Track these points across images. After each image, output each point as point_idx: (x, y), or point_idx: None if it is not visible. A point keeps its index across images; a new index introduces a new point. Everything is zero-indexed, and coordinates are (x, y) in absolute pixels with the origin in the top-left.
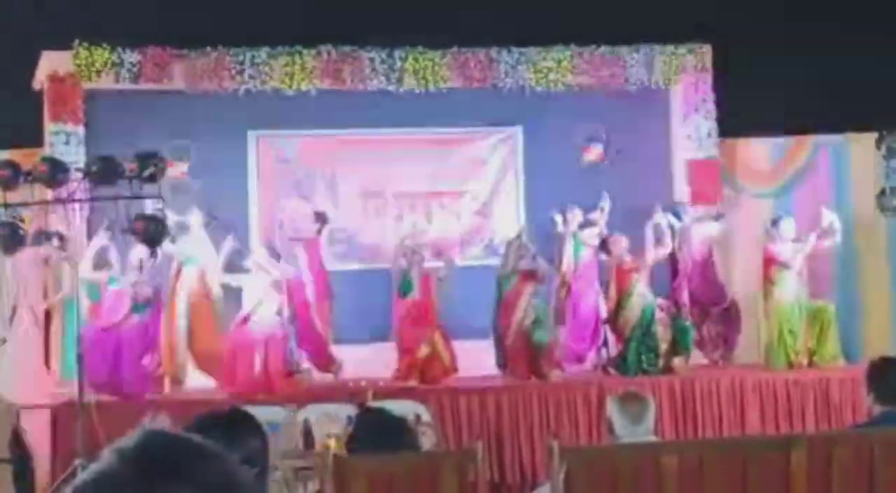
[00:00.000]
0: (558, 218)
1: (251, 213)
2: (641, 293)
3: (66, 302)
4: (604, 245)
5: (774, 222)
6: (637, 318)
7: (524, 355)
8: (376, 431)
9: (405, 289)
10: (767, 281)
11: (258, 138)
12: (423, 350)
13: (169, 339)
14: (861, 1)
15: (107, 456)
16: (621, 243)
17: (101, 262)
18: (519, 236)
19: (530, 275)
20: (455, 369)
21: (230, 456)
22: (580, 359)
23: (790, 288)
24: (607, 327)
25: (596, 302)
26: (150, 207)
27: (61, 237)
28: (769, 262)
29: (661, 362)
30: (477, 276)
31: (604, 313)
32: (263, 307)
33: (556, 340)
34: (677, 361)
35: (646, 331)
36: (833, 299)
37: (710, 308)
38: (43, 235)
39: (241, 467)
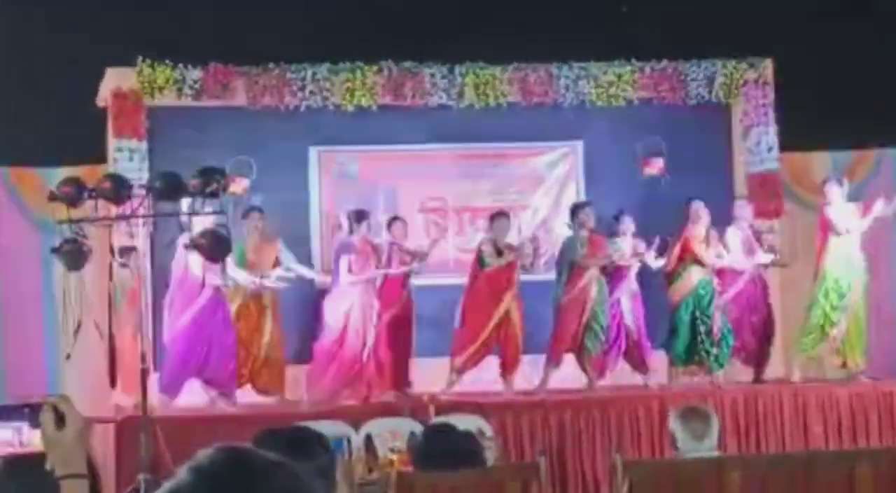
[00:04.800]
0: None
1: (312, 227)
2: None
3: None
4: (661, 250)
5: (825, 181)
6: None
7: (577, 317)
8: (445, 448)
9: (482, 264)
10: (821, 252)
11: (319, 154)
12: (495, 318)
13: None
14: None
15: (182, 474)
16: None
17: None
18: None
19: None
20: (523, 329)
21: (305, 474)
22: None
23: (841, 254)
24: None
25: None
26: (212, 222)
27: (124, 253)
28: (824, 229)
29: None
30: (538, 290)
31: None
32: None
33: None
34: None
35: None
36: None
37: (750, 318)
38: (109, 251)
39: (316, 481)
